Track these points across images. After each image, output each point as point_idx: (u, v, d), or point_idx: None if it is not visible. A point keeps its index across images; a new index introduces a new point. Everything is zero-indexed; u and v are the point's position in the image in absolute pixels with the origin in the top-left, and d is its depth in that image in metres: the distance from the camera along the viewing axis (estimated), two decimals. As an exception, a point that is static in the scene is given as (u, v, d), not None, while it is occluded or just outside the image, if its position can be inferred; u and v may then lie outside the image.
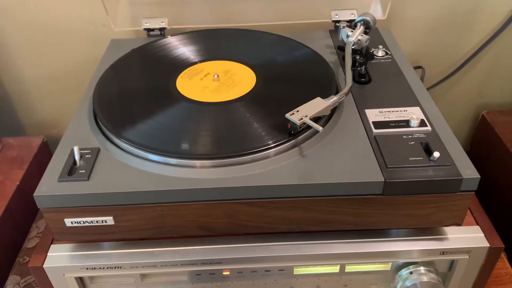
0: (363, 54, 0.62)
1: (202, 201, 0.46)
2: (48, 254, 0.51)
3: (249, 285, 0.54)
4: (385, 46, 0.66)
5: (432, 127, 0.50)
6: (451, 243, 0.50)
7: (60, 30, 0.80)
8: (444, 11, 0.80)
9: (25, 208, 0.76)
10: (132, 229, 0.48)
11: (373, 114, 0.53)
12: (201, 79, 0.59)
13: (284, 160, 0.47)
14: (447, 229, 0.51)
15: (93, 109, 0.55)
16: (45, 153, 0.86)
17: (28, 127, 0.94)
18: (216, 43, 0.68)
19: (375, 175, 0.45)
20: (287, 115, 0.48)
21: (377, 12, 0.73)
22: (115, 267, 0.50)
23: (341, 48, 0.66)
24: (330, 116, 0.53)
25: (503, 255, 0.64)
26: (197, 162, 0.47)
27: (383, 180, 0.45)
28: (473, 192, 0.46)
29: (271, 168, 0.47)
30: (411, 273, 0.51)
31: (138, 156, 0.48)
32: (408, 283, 0.51)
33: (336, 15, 0.73)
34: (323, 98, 0.50)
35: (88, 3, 0.76)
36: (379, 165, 0.46)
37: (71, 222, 0.47)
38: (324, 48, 0.67)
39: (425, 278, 0.50)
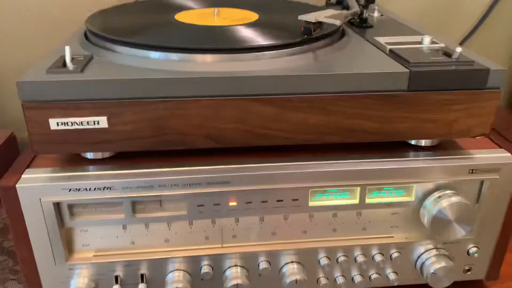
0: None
1: (210, 97, 0.41)
2: (22, 176, 0.43)
3: (257, 228, 0.47)
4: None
5: (445, 44, 0.49)
6: (480, 160, 0.46)
7: (38, 17, 0.76)
8: (427, 6, 0.83)
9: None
10: (128, 137, 0.42)
11: (384, 40, 0.51)
12: (202, 13, 0.56)
13: (301, 60, 0.44)
14: (473, 151, 0.48)
15: (84, 32, 0.51)
16: (11, 147, 0.77)
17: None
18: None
19: (399, 68, 0.42)
20: (300, 16, 0.45)
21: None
22: (103, 188, 0.42)
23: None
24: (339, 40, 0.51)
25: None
26: (207, 56, 0.43)
27: (408, 70, 0.42)
28: (500, 90, 0.43)
29: (288, 64, 0.43)
30: (439, 197, 0.46)
31: (137, 55, 0.44)
32: (436, 210, 0.45)
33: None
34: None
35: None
36: (401, 64, 0.44)
37: (57, 124, 0.40)
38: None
39: (454, 199, 0.45)
